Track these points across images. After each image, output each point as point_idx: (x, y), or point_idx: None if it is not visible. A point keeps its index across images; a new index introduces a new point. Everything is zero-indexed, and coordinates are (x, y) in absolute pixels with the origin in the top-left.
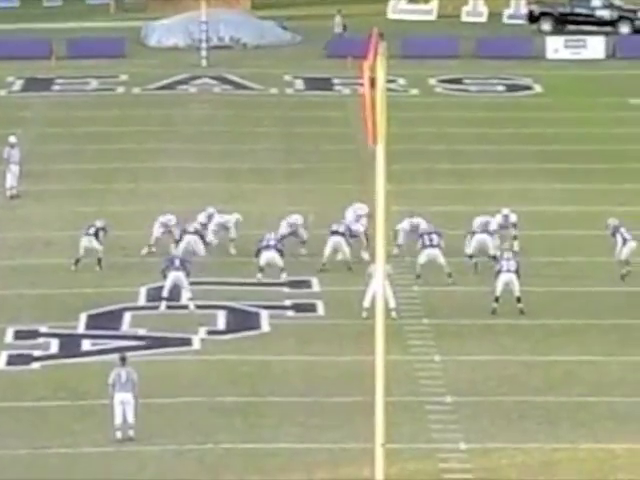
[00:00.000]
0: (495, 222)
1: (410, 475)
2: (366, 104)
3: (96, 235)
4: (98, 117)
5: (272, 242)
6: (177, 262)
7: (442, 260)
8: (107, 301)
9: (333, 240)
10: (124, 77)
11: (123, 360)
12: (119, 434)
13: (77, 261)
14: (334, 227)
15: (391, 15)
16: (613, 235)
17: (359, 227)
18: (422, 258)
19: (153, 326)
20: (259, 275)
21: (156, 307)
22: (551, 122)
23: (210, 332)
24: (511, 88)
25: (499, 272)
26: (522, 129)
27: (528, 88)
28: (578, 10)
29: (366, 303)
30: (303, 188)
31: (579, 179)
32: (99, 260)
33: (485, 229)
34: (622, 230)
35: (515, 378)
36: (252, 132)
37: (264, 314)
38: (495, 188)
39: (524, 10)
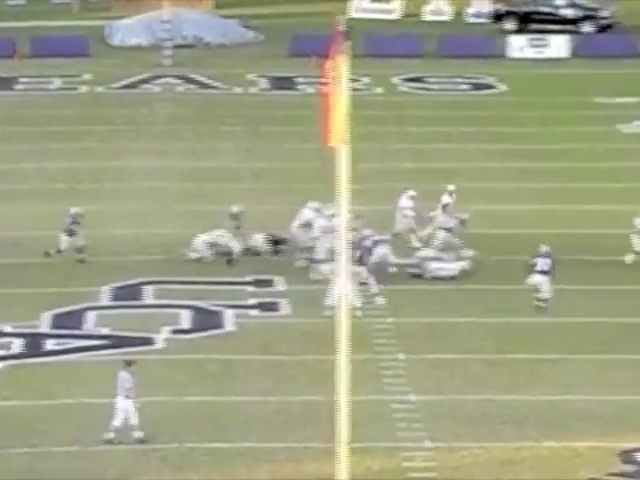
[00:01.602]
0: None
1: (375, 474)
2: (331, 103)
3: (71, 232)
4: (62, 116)
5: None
6: None
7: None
8: (71, 300)
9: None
10: (87, 76)
11: (129, 364)
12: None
13: (58, 251)
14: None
15: (354, 14)
16: None
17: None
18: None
19: (117, 325)
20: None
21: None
22: (515, 121)
23: (175, 331)
24: (475, 87)
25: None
26: (486, 128)
27: (491, 87)
28: (541, 9)
29: (330, 301)
30: (267, 187)
31: (543, 178)
32: (82, 248)
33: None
34: None
35: (478, 376)
36: (216, 131)
37: (229, 313)
38: (458, 187)
39: (487, 9)
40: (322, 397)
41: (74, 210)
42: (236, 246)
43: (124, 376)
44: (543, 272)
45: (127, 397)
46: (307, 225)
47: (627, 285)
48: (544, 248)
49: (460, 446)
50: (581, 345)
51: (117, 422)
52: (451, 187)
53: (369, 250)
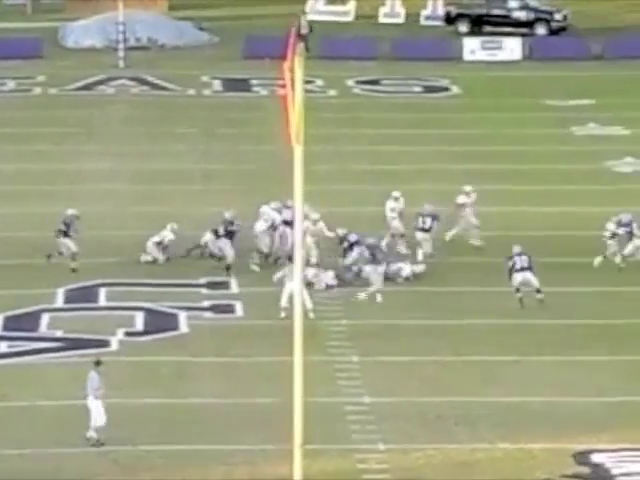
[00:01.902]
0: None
1: (329, 475)
2: (288, 104)
3: (66, 233)
4: (15, 118)
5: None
6: None
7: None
8: (25, 303)
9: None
10: (41, 78)
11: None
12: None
13: (60, 253)
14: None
15: (309, 16)
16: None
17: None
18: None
19: (71, 328)
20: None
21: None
22: (468, 123)
23: (128, 333)
24: (428, 89)
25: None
26: (440, 130)
27: (445, 89)
28: (494, 11)
29: (283, 302)
30: (221, 189)
31: (497, 180)
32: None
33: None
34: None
35: (433, 378)
36: (170, 133)
37: (182, 315)
38: (413, 189)
39: (441, 11)
40: (276, 399)
41: (70, 212)
42: (230, 252)
43: (92, 376)
44: (524, 269)
45: (95, 397)
46: (271, 228)
47: (583, 287)
48: (516, 248)
49: (414, 448)
50: (535, 347)
51: (99, 422)
52: (396, 193)
53: (378, 247)
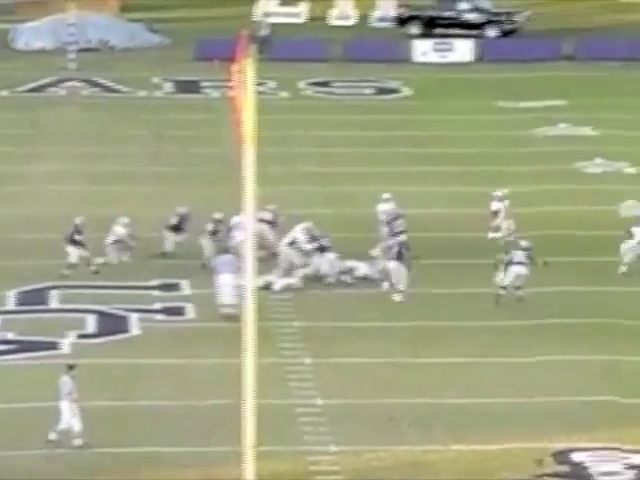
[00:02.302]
0: None
1: (281, 477)
2: (237, 106)
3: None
4: None
5: None
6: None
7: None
8: None
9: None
10: None
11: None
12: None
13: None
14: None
15: (260, 17)
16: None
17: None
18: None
19: (22, 330)
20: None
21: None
22: (420, 125)
23: (80, 336)
24: (380, 91)
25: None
26: (391, 132)
27: (396, 91)
28: (445, 14)
29: (224, 300)
30: (171, 191)
31: (448, 181)
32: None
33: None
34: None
35: (386, 380)
36: (120, 135)
37: (134, 317)
38: (364, 190)
39: (392, 13)
40: (228, 401)
41: (78, 220)
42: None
43: (64, 380)
44: (521, 263)
45: (70, 401)
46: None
47: (556, 287)
48: (523, 242)
49: (366, 449)
50: (491, 349)
51: (62, 425)
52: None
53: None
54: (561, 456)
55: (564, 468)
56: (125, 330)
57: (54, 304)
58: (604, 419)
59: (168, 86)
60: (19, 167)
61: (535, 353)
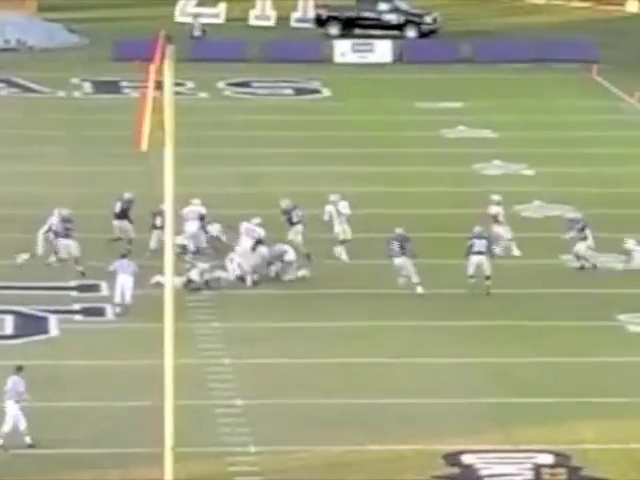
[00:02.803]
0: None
1: (200, 478)
2: (144, 107)
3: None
4: None
5: None
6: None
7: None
8: None
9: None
10: None
11: (19, 369)
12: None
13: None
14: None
15: (179, 18)
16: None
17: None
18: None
19: None
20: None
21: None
22: (339, 125)
23: None
24: (299, 92)
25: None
26: (310, 132)
27: (316, 92)
28: (365, 14)
29: (117, 299)
30: (91, 192)
31: (367, 182)
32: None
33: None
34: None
35: (304, 381)
36: (39, 135)
37: (53, 318)
38: (284, 190)
39: (311, 14)
40: (147, 402)
41: (65, 212)
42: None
43: (16, 380)
44: (481, 252)
45: (17, 402)
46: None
47: (451, 289)
48: (477, 228)
49: (286, 450)
50: (406, 349)
51: (7, 428)
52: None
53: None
54: (452, 458)
55: (454, 470)
56: (44, 331)
57: None
58: (496, 421)
59: (87, 86)
60: None
61: (428, 354)
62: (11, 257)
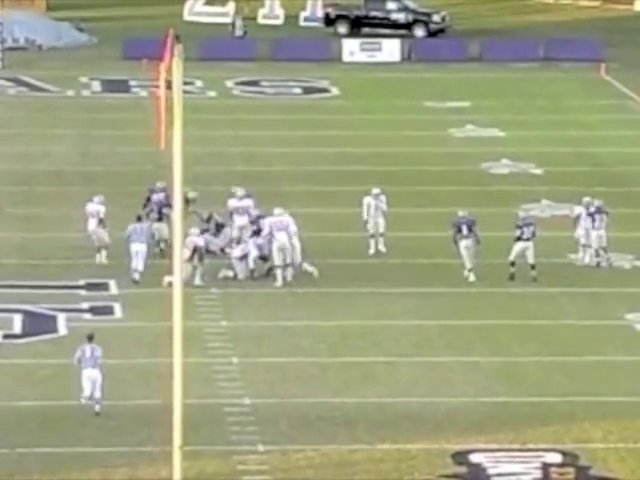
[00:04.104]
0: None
1: (208, 477)
2: (160, 106)
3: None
4: None
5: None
6: None
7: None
8: None
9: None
10: None
11: (90, 338)
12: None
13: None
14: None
15: (187, 17)
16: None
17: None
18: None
19: None
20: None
21: None
22: (348, 125)
23: (6, 336)
24: (308, 90)
25: (519, 239)
26: (319, 131)
27: (325, 90)
28: (373, 13)
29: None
30: (100, 191)
31: (376, 181)
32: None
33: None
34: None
35: (312, 379)
36: (48, 134)
37: (61, 317)
38: (290, 190)
39: (320, 13)
40: (156, 401)
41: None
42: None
43: (94, 347)
44: (467, 237)
45: (93, 367)
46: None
47: (461, 288)
48: (461, 212)
49: (294, 449)
50: (414, 348)
51: (87, 392)
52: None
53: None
54: (460, 457)
55: (462, 469)
56: (52, 330)
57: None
58: (504, 420)
59: (96, 85)
60: None
61: (432, 353)
62: (21, 256)
